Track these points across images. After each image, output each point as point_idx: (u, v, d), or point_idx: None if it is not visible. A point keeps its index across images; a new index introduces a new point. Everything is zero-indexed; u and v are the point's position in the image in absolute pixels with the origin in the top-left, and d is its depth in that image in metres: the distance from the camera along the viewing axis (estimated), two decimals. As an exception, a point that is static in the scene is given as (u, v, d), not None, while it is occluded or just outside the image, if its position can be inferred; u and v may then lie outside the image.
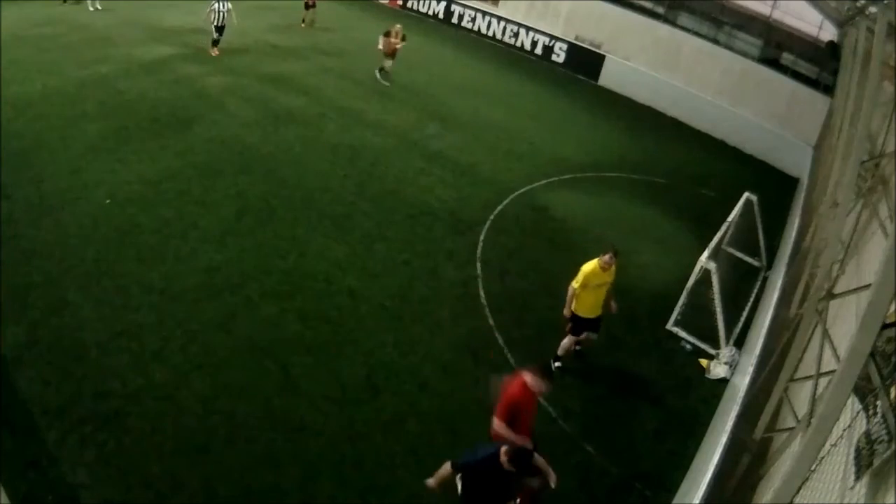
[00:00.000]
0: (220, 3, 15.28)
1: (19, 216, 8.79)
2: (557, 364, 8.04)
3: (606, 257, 7.51)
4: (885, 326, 3.68)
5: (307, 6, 20.41)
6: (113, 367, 6.77)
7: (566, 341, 7.99)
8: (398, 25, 16.70)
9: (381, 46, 16.62)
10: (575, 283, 7.57)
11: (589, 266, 7.57)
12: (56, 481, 5.54)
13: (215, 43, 15.81)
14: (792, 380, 6.49)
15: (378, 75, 16.89)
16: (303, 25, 20.46)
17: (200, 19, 16.01)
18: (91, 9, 17.92)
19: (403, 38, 16.63)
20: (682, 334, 9.33)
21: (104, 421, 6.17)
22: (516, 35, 22.77)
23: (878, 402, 3.62)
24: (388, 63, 16.76)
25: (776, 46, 19.04)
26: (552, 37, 22.04)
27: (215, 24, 15.38)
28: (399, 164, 12.60)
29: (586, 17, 21.55)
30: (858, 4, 11.27)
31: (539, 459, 5.30)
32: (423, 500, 6.17)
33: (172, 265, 8.50)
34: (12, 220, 8.67)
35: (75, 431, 6.00)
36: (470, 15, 23.71)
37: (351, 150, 12.70)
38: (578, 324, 7.83)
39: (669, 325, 9.41)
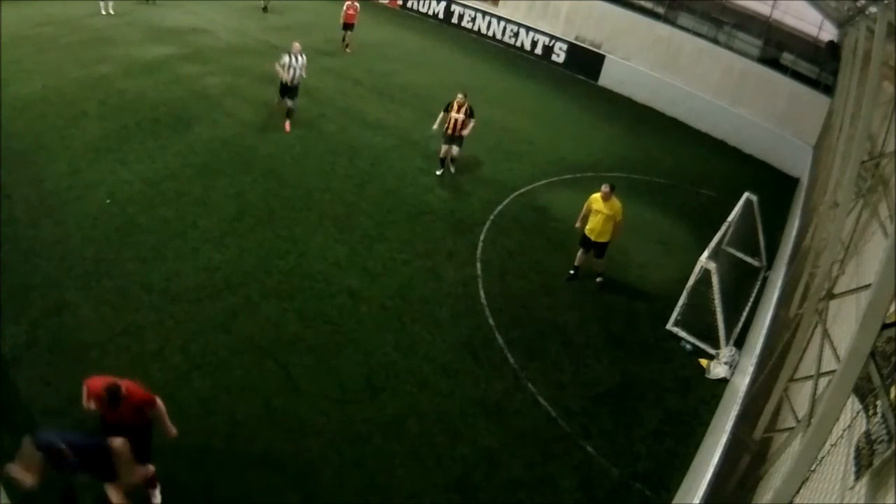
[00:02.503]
0: (292, 58, 12.39)
1: (19, 216, 8.79)
2: (571, 272, 10.11)
3: (603, 188, 9.35)
4: (885, 326, 3.67)
5: (345, 26, 19.10)
6: (113, 367, 6.74)
7: (579, 253, 10.05)
8: (460, 95, 11.87)
9: (436, 126, 12.11)
10: (585, 205, 9.66)
11: (594, 195, 9.53)
12: (56, 481, 5.54)
13: (282, 98, 13.02)
14: (792, 380, 6.49)
15: (450, 168, 12.54)
16: (348, 50, 19.03)
17: (271, 69, 12.94)
18: (104, 12, 17.75)
19: (470, 114, 11.87)
20: (682, 334, 9.33)
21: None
22: (516, 35, 22.79)
23: (878, 402, 3.61)
24: (454, 151, 12.23)
25: (776, 46, 19.06)
26: (552, 37, 22.06)
27: (283, 80, 12.61)
28: (399, 164, 12.60)
29: (586, 17, 21.57)
30: (858, 4, 11.27)
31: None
32: (423, 500, 6.20)
33: (172, 265, 8.51)
34: (12, 220, 8.67)
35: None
36: (470, 15, 23.73)
37: (351, 150, 12.70)
38: (582, 238, 9.82)
39: (669, 325, 9.41)
